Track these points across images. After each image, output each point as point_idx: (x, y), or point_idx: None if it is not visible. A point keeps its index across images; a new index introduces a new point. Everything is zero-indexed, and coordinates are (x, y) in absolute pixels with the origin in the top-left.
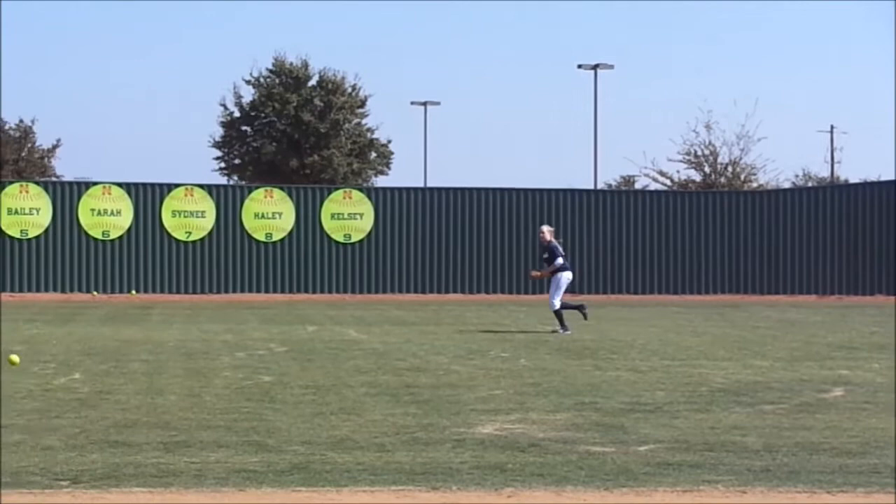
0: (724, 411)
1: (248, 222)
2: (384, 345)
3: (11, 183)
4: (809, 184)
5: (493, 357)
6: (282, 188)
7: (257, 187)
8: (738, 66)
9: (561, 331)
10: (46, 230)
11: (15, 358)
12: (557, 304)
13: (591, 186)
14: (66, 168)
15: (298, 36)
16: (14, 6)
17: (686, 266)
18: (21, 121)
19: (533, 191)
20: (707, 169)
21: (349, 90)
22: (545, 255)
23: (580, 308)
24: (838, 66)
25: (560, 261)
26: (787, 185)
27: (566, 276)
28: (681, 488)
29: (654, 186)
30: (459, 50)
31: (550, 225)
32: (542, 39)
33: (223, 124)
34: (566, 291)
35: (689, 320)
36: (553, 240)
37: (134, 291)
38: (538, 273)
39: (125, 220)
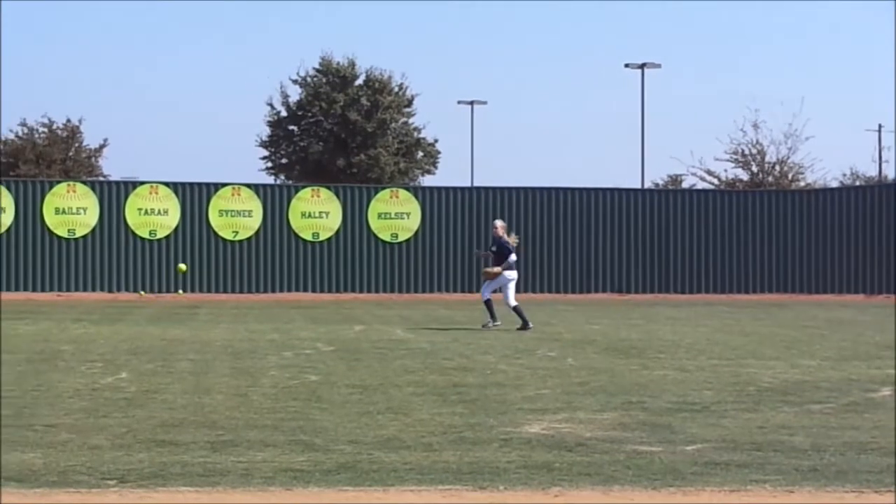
0: (772, 411)
1: (295, 222)
2: (431, 344)
3: (59, 182)
4: (857, 183)
5: (540, 356)
6: (329, 187)
7: (304, 186)
8: (786, 65)
9: (491, 323)
10: (93, 230)
11: (183, 266)
12: (488, 294)
13: (639, 185)
14: (113, 168)
15: (345, 35)
16: (63, 6)
17: (734, 265)
18: (68, 120)
19: (580, 190)
20: (754, 168)
21: (396, 89)
22: (493, 248)
23: (492, 317)
24: (886, 64)
25: (513, 257)
26: (834, 184)
27: (509, 275)
28: (728, 488)
29: (701, 185)
30: (506, 49)
31: (505, 224)
32: (589, 38)
33: (270, 124)
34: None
35: (737, 320)
36: (504, 235)
37: (181, 291)
38: (491, 270)
39: (172, 219)
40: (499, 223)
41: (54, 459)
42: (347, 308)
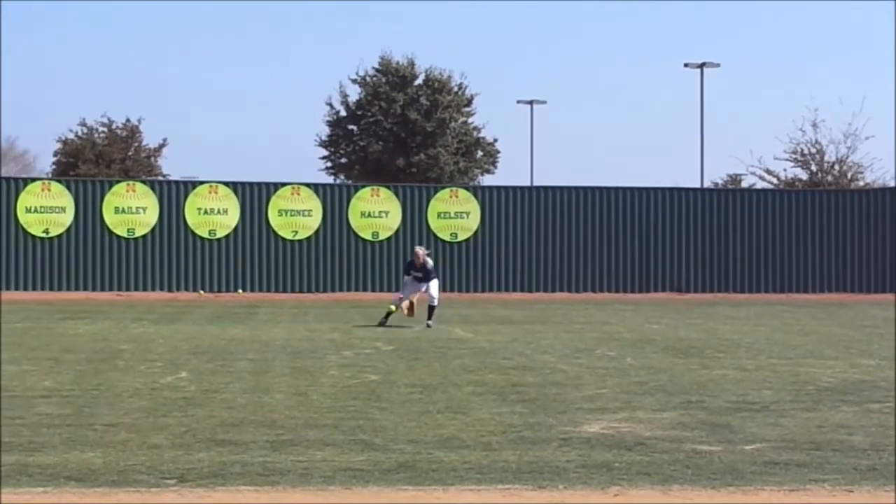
0: (831, 410)
1: (355, 221)
2: (490, 343)
3: (118, 182)
4: None
5: (599, 356)
6: (388, 187)
7: (364, 186)
8: (846, 64)
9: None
10: (153, 229)
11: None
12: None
13: (698, 185)
14: (172, 167)
15: (405, 35)
16: (123, 6)
17: (793, 265)
18: (128, 120)
19: (639, 189)
20: (814, 167)
21: (455, 89)
22: (420, 274)
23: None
24: None
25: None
26: (893, 183)
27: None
28: (787, 487)
29: (760, 185)
30: (566, 48)
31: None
32: (648, 38)
33: (330, 123)
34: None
35: (797, 319)
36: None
37: (241, 290)
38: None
39: (232, 218)
40: (421, 251)
41: (114, 459)
42: None
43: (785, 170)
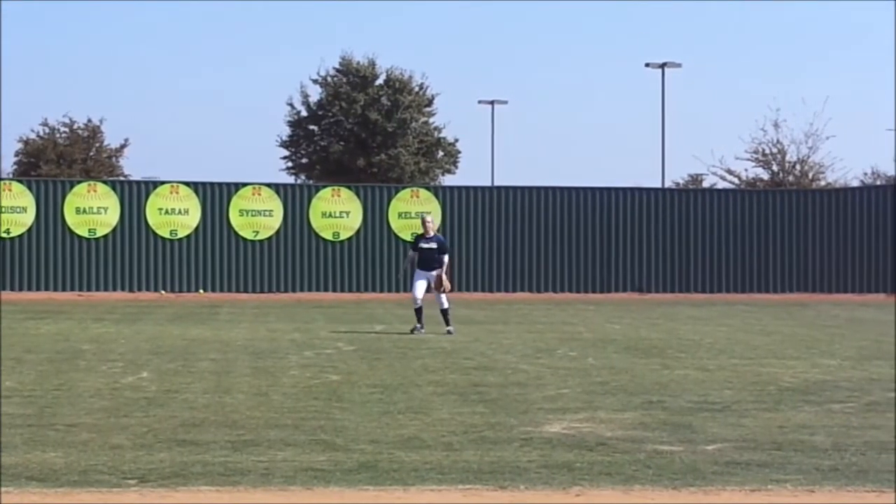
0: (793, 410)
1: (316, 221)
2: (452, 344)
3: (80, 182)
4: (878, 182)
5: (560, 356)
6: (349, 187)
7: (325, 186)
8: (807, 64)
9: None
10: (114, 229)
11: None
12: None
13: (659, 185)
14: (133, 167)
15: (365, 35)
16: (83, 6)
17: (754, 265)
18: (89, 120)
19: (601, 189)
20: (775, 167)
21: (416, 89)
22: (433, 246)
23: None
24: None
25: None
26: (855, 183)
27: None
28: (749, 487)
29: (721, 185)
30: (527, 48)
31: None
32: (609, 38)
33: (291, 123)
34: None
35: (758, 319)
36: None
37: (202, 290)
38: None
39: (193, 219)
40: (427, 217)
41: (75, 459)
42: (368, 307)
43: (746, 170)
